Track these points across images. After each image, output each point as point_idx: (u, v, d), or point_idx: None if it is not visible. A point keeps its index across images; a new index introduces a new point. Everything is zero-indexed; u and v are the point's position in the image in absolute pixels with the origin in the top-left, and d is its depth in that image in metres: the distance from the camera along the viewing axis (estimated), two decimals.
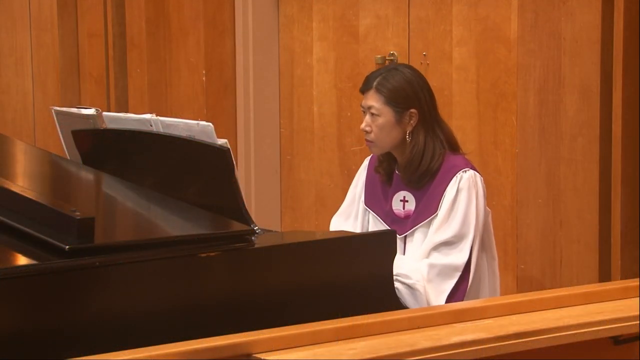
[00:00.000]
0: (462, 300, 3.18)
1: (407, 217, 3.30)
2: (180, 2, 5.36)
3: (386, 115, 3.25)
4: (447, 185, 3.22)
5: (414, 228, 3.27)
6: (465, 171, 3.24)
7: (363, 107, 3.31)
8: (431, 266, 3.16)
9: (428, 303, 3.14)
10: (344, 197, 3.58)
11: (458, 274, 3.17)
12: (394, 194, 3.34)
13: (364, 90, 3.31)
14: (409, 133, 3.26)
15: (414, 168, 3.26)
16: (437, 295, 3.15)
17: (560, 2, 3.76)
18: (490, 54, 4.08)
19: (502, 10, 4.02)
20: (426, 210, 3.25)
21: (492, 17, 4.06)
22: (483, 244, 3.28)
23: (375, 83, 3.27)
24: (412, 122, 3.25)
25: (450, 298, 3.17)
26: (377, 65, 4.40)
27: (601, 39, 3.65)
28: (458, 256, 3.18)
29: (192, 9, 5.28)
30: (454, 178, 3.22)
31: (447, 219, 3.20)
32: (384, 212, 3.35)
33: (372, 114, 3.27)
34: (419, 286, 3.13)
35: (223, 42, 5.22)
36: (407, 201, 3.31)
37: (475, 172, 3.26)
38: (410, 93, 3.26)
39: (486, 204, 3.30)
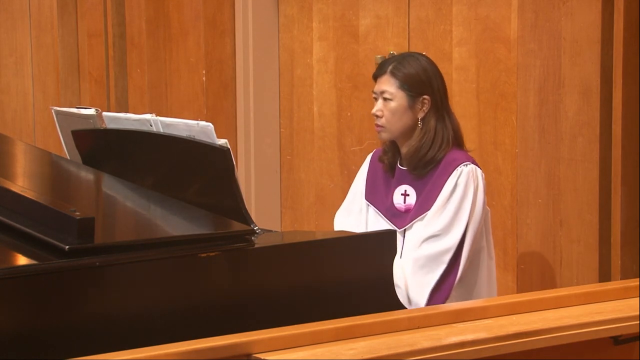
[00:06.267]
0: (448, 294, 3.17)
1: (407, 210, 3.31)
2: (180, 2, 5.36)
3: (399, 99, 3.27)
4: (446, 179, 3.23)
5: (414, 221, 3.27)
6: (466, 165, 3.25)
7: (375, 93, 3.33)
8: (415, 260, 3.16)
9: (409, 297, 3.14)
10: (343, 197, 3.59)
11: (443, 266, 3.16)
12: (395, 188, 3.35)
13: (378, 75, 3.33)
14: (420, 119, 3.27)
15: (422, 154, 3.27)
16: (420, 289, 3.14)
17: (560, 2, 3.76)
18: (490, 54, 4.08)
19: (502, 10, 4.02)
20: (426, 203, 3.26)
21: (492, 17, 4.06)
22: (481, 242, 3.28)
23: (390, 68, 3.30)
24: (424, 108, 3.27)
25: (435, 291, 3.16)
26: (377, 65, 4.41)
27: (601, 39, 3.65)
28: (444, 244, 3.18)
29: (192, 9, 5.28)
30: (455, 171, 3.23)
31: (440, 213, 3.21)
32: (385, 207, 3.36)
33: (385, 99, 3.29)
34: (399, 282, 3.13)
35: (223, 42, 5.22)
36: (408, 195, 3.32)
37: (477, 167, 3.27)
38: (424, 79, 3.28)
39: (486, 202, 3.30)
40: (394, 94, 3.28)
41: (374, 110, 3.31)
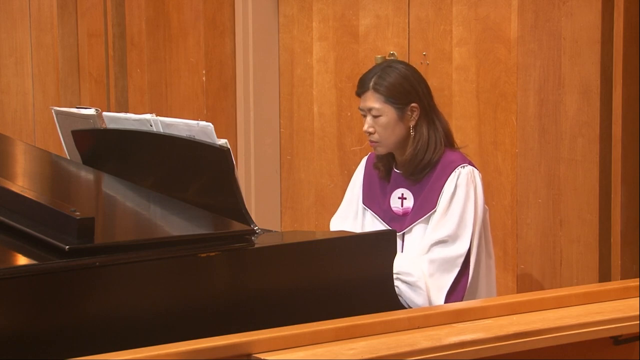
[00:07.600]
0: (463, 295, 3.18)
1: (405, 214, 3.30)
2: (180, 2, 5.36)
3: (388, 113, 3.25)
4: (445, 181, 3.23)
5: (413, 224, 3.27)
6: (464, 166, 3.24)
7: (362, 110, 3.30)
8: (431, 261, 3.16)
9: (429, 299, 3.14)
10: (343, 197, 3.58)
11: (457, 269, 3.17)
12: (392, 192, 3.34)
13: (361, 92, 3.29)
14: (412, 127, 3.26)
15: (418, 161, 3.26)
16: (438, 290, 3.15)
17: (560, 2, 3.76)
18: (490, 54, 4.08)
19: (502, 10, 4.02)
20: (425, 206, 3.25)
21: (492, 17, 4.06)
22: (480, 241, 3.28)
23: (371, 83, 3.26)
24: (414, 116, 3.26)
25: (451, 293, 3.16)
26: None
27: (601, 39, 3.65)
28: (457, 249, 3.18)
29: (192, 9, 5.29)
30: (453, 173, 3.23)
31: (445, 216, 3.20)
32: (382, 211, 3.35)
33: (374, 116, 3.26)
34: (421, 284, 3.13)
35: (223, 42, 5.22)
36: (405, 198, 3.31)
37: (474, 168, 3.27)
38: (408, 88, 3.26)
39: (484, 201, 3.30)
40: (382, 109, 3.25)
41: (365, 128, 3.28)
